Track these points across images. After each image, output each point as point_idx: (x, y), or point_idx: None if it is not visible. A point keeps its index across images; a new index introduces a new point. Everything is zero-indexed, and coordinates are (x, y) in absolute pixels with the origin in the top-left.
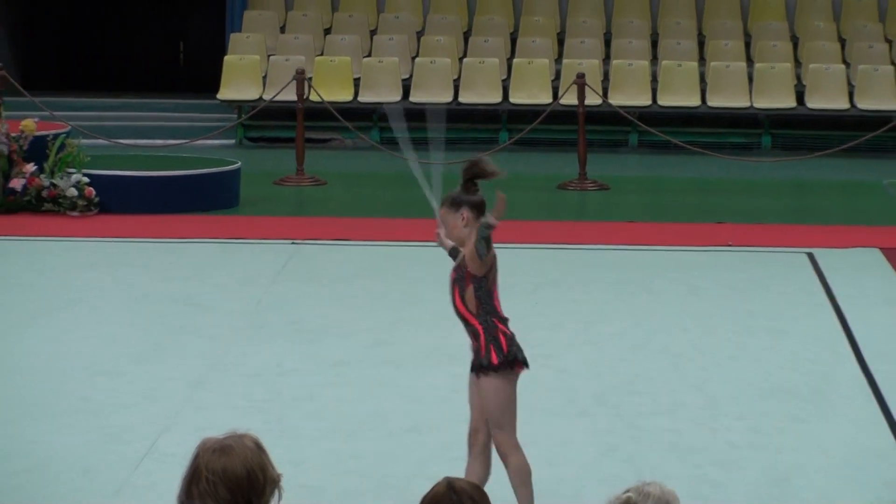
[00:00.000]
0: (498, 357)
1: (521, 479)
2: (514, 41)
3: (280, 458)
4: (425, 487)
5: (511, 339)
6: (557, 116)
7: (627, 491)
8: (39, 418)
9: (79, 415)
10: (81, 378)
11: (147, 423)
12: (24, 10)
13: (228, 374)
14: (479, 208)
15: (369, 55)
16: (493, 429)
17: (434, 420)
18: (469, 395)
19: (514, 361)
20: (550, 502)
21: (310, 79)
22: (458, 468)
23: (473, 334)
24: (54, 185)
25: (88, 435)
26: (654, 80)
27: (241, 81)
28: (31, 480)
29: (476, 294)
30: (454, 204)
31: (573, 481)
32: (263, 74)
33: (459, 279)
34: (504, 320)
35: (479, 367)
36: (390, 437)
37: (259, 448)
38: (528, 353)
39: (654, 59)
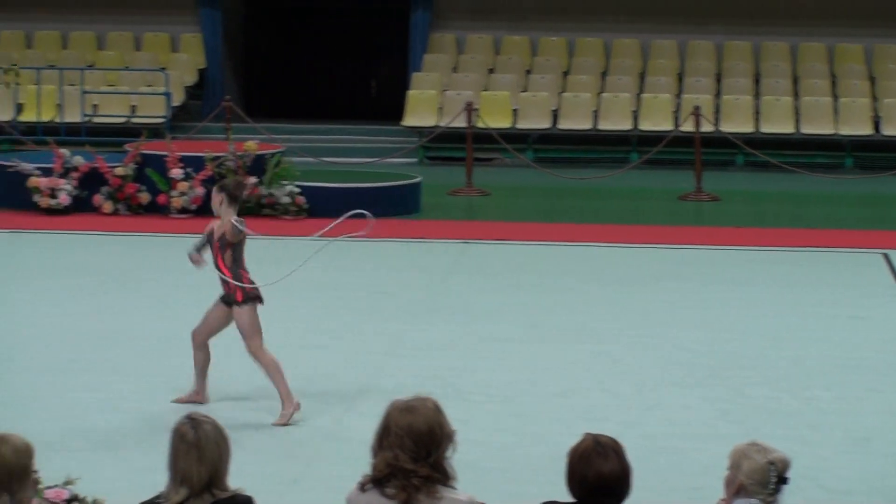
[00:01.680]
0: (242, 296)
1: (273, 370)
2: (642, 79)
3: (454, 417)
4: (571, 442)
5: (252, 281)
6: (677, 141)
7: (771, 463)
8: (254, 384)
9: (289, 380)
10: (289, 351)
11: (344, 388)
12: (246, 53)
13: (411, 348)
14: (232, 199)
15: (525, 90)
16: (245, 340)
17: (578, 387)
18: (207, 312)
19: (254, 298)
20: (675, 458)
21: (476, 109)
22: (599, 426)
23: (225, 283)
24: (271, 194)
25: (296, 397)
26: (757, 111)
27: (421, 111)
28: (251, 437)
29: (232, 256)
30: (219, 189)
31: (694, 439)
32: (439, 106)
33: (221, 246)
34: (247, 272)
35: (232, 303)
36: (542, 400)
37: (438, 409)
38: (653, 334)
39: (757, 95)
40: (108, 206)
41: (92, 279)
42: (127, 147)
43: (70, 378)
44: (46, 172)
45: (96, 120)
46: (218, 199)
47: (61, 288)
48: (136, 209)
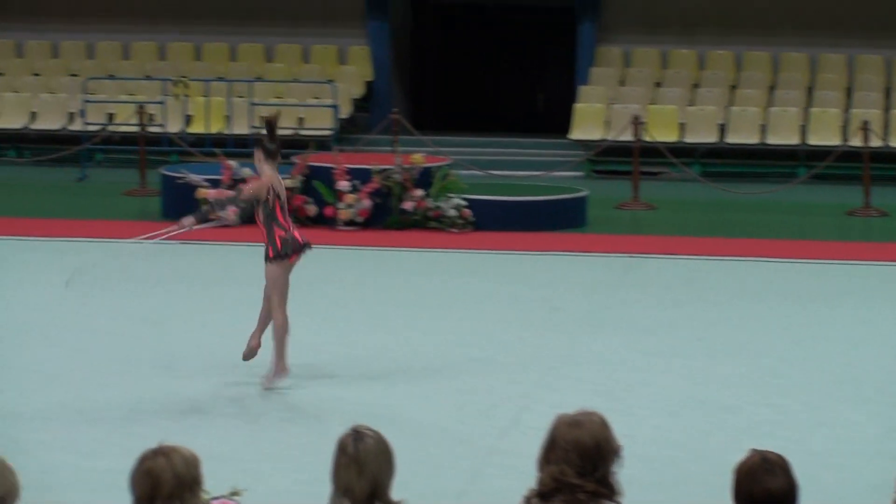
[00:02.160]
0: (273, 252)
1: (281, 332)
2: (810, 93)
3: (619, 432)
4: (737, 458)
5: (284, 239)
6: (846, 156)
7: None
8: (423, 394)
9: (455, 393)
10: (457, 363)
11: (511, 401)
12: (414, 65)
13: (577, 362)
14: (268, 152)
15: (692, 104)
16: (267, 296)
17: (743, 402)
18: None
19: (285, 255)
20: (843, 476)
21: (643, 123)
22: (765, 442)
23: (263, 235)
24: (438, 207)
25: (462, 409)
26: None
27: (587, 124)
28: (406, 444)
29: (263, 212)
30: (254, 143)
31: (862, 457)
32: (606, 119)
33: (255, 203)
34: (283, 227)
35: (265, 258)
36: (707, 416)
37: (604, 423)
38: (819, 350)
39: None
40: None
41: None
42: (294, 159)
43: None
44: (215, 184)
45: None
46: (257, 155)
47: (238, 297)
48: (304, 221)
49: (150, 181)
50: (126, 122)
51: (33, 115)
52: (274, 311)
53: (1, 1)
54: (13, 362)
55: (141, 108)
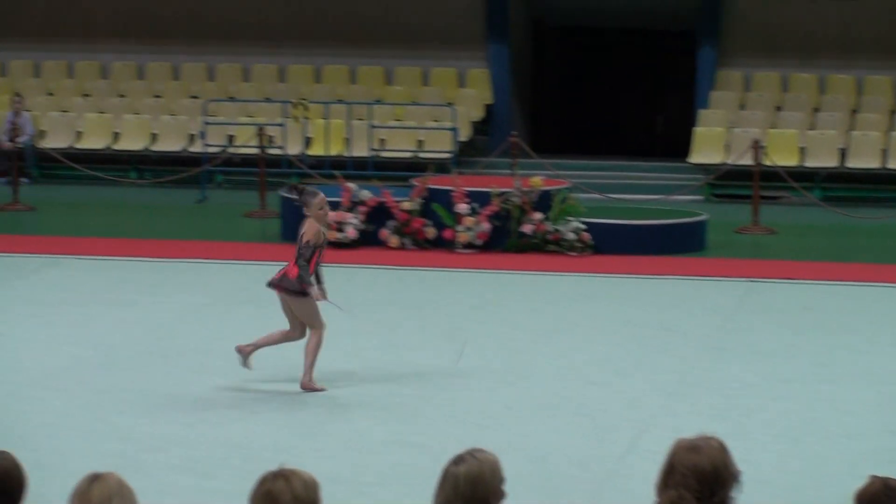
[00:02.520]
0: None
1: (312, 349)
2: None
3: (739, 457)
4: (858, 484)
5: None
6: None
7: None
8: (541, 418)
9: (573, 416)
10: (576, 387)
11: (629, 425)
12: (533, 89)
13: (696, 387)
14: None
15: (812, 128)
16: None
17: (865, 429)
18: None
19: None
20: None
21: (764, 147)
22: (887, 469)
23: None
24: (557, 231)
25: (580, 433)
26: None
27: (707, 148)
28: (524, 468)
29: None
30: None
31: None
32: (726, 143)
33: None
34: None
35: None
36: (828, 442)
37: (723, 448)
38: None
39: None
40: (394, 241)
41: (386, 313)
42: (413, 182)
43: (352, 412)
44: (334, 206)
45: (383, 154)
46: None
47: (362, 321)
48: (422, 244)
49: (270, 203)
50: (246, 144)
51: (154, 137)
52: (314, 327)
53: (122, 25)
54: (134, 384)
55: (261, 130)
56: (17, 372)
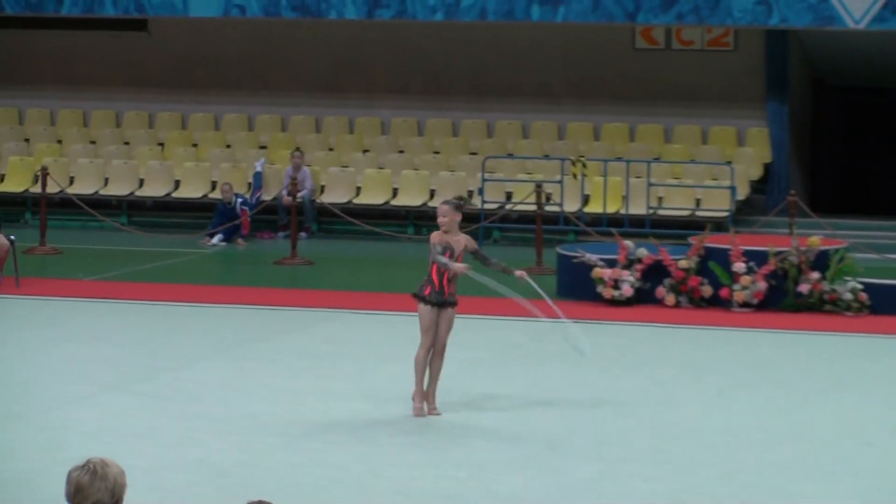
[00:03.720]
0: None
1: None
2: None
3: None
4: None
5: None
6: None
7: None
8: (813, 478)
9: (851, 478)
10: (849, 447)
11: None
12: (812, 149)
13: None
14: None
15: None
16: (447, 335)
17: None
18: (432, 321)
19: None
20: None
21: None
22: None
23: (451, 286)
24: (833, 290)
25: (863, 498)
26: None
27: None
28: None
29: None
30: (456, 209)
31: None
32: None
33: (464, 257)
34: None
35: (451, 304)
36: None
37: None
38: None
39: None
40: (670, 299)
41: (664, 371)
42: (691, 240)
43: (618, 467)
44: (610, 263)
45: (661, 212)
46: (457, 217)
47: (638, 378)
48: (698, 302)
49: (546, 260)
50: (523, 201)
51: (432, 193)
52: (444, 349)
53: (403, 82)
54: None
55: (539, 187)
56: (291, 423)
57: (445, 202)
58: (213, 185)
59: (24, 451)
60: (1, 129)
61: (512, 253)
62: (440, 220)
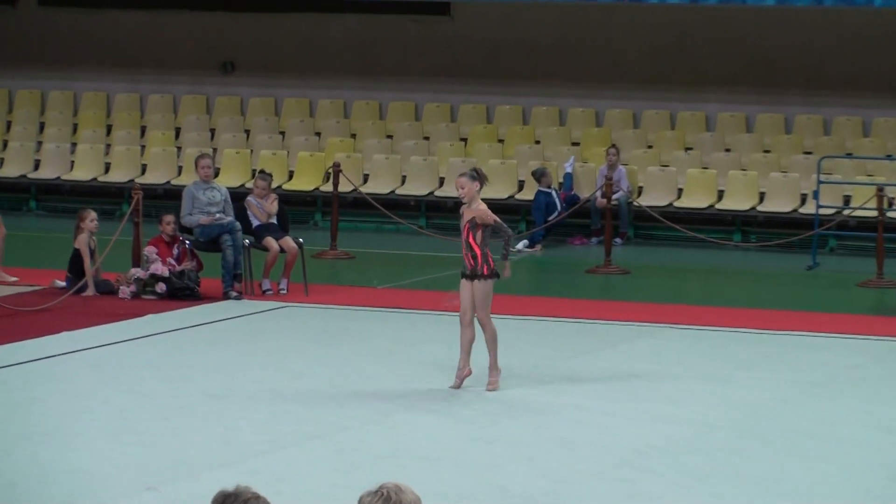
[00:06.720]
0: (488, 271)
1: (492, 339)
2: None
3: None
4: None
5: (495, 261)
6: None
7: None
8: None
9: None
10: None
11: None
12: None
13: None
14: (482, 184)
15: None
16: (478, 311)
17: None
18: (462, 292)
19: (496, 274)
20: None
21: None
22: None
23: (473, 256)
24: None
25: None
26: None
27: None
28: None
29: (483, 234)
30: (477, 177)
31: None
32: None
33: (473, 226)
34: (490, 251)
35: (478, 276)
36: None
37: None
38: None
39: None
40: None
41: None
42: None
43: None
44: None
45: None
46: (475, 186)
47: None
48: None
49: (889, 272)
50: (863, 206)
51: (762, 196)
52: (485, 322)
53: (731, 73)
54: (729, 469)
55: (880, 191)
56: (602, 449)
57: (462, 174)
58: (521, 185)
59: (312, 473)
60: (291, 122)
61: (850, 264)
62: (459, 192)
